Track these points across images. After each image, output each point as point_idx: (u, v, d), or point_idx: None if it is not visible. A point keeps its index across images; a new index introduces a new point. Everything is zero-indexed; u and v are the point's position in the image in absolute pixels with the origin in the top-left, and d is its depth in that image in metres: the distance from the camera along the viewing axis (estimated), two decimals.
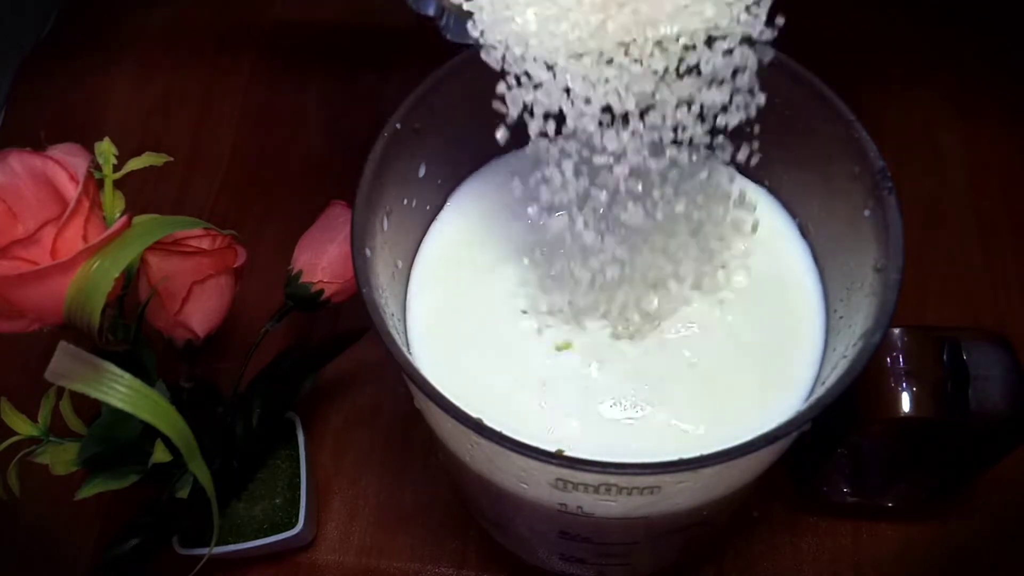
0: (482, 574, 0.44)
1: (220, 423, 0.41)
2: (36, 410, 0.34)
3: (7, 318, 0.31)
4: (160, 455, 0.34)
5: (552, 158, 0.29)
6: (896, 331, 0.34)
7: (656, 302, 0.32)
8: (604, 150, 0.28)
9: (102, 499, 0.36)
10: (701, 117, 0.28)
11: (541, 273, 0.33)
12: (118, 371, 0.30)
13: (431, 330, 0.34)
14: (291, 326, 0.49)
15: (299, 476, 0.43)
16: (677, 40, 0.26)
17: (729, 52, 0.27)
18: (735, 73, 0.28)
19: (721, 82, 0.28)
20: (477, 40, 0.28)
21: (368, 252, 0.29)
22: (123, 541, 0.40)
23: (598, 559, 0.37)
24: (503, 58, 0.27)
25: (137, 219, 0.32)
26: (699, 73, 0.27)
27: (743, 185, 0.34)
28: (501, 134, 0.29)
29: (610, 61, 0.27)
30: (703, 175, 0.31)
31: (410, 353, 0.33)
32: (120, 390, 0.30)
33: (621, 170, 0.29)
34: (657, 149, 0.29)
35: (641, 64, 0.26)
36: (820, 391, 0.29)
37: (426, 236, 0.36)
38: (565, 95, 0.27)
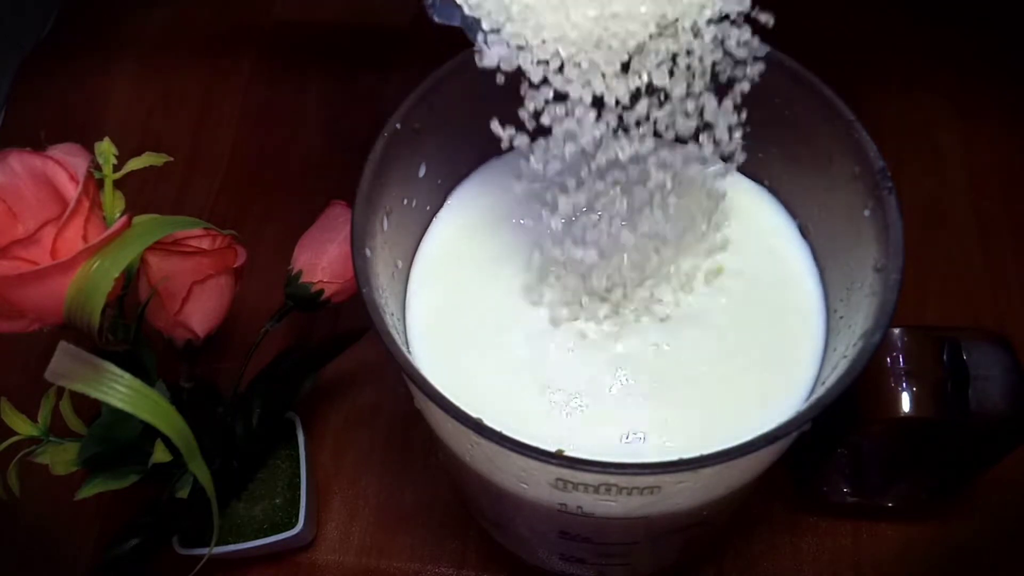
0: (482, 574, 0.44)
1: (220, 423, 0.41)
2: (36, 410, 0.34)
3: (7, 318, 0.31)
4: (160, 455, 0.34)
5: (551, 157, 0.29)
6: (896, 331, 0.34)
7: (656, 301, 0.33)
8: (600, 146, 0.28)
9: (102, 499, 0.36)
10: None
11: (541, 273, 0.33)
12: (118, 371, 0.30)
13: (431, 330, 0.34)
14: (291, 326, 0.49)
15: (299, 476, 0.43)
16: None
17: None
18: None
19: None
20: (464, 19, 0.27)
21: (368, 252, 0.29)
22: (123, 541, 0.40)
23: (598, 559, 0.37)
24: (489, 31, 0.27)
25: (137, 219, 0.32)
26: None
27: (736, 180, 0.35)
28: (507, 134, 0.29)
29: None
30: (696, 169, 0.31)
31: (410, 353, 0.33)
32: (120, 390, 0.30)
33: (619, 171, 0.29)
34: (650, 143, 0.29)
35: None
36: (820, 391, 0.29)
37: (426, 236, 0.36)
38: (558, 73, 0.27)
